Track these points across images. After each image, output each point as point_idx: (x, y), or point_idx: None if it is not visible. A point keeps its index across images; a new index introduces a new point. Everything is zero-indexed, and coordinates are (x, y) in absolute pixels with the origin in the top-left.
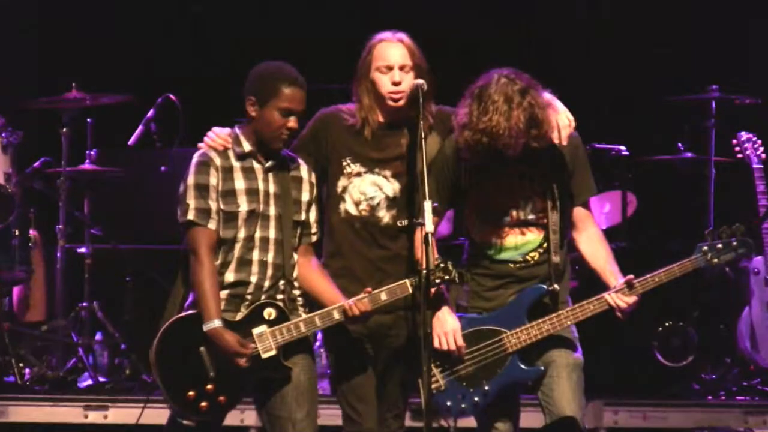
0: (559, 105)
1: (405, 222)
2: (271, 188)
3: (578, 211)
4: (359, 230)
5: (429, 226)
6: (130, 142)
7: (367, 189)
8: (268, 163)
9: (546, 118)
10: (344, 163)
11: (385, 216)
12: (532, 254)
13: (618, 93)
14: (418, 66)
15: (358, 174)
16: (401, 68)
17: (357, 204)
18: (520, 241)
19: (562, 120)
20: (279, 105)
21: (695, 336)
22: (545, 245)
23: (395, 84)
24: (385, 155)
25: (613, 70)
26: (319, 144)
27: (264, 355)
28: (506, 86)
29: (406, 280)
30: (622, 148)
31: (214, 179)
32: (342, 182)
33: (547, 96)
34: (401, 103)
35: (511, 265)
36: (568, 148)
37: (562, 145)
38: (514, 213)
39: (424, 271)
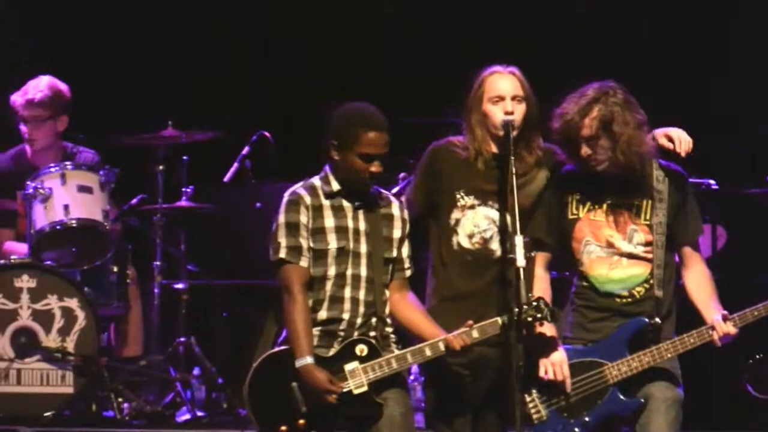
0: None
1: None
2: (361, 226)
3: (687, 250)
4: (470, 263)
5: (520, 261)
6: (226, 178)
7: (481, 222)
8: (357, 202)
9: (624, 133)
10: (458, 196)
11: (497, 250)
12: (638, 289)
13: (706, 127)
14: (529, 98)
15: (472, 206)
16: (513, 98)
17: (470, 237)
18: (626, 275)
19: (683, 135)
20: (360, 150)
21: None
22: (651, 281)
23: (508, 114)
24: (498, 187)
25: (703, 105)
26: (432, 178)
27: (356, 391)
28: (604, 92)
29: (498, 318)
30: (712, 181)
31: (304, 217)
32: (455, 215)
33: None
34: (514, 133)
35: (617, 300)
36: (679, 188)
37: (679, 154)
38: (622, 246)
39: (516, 307)
